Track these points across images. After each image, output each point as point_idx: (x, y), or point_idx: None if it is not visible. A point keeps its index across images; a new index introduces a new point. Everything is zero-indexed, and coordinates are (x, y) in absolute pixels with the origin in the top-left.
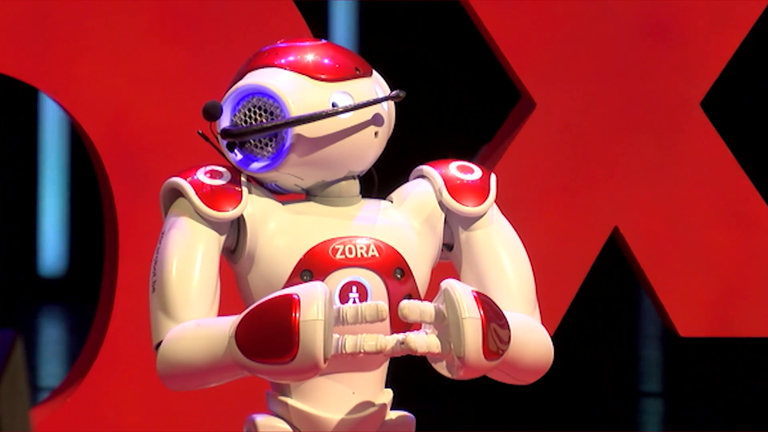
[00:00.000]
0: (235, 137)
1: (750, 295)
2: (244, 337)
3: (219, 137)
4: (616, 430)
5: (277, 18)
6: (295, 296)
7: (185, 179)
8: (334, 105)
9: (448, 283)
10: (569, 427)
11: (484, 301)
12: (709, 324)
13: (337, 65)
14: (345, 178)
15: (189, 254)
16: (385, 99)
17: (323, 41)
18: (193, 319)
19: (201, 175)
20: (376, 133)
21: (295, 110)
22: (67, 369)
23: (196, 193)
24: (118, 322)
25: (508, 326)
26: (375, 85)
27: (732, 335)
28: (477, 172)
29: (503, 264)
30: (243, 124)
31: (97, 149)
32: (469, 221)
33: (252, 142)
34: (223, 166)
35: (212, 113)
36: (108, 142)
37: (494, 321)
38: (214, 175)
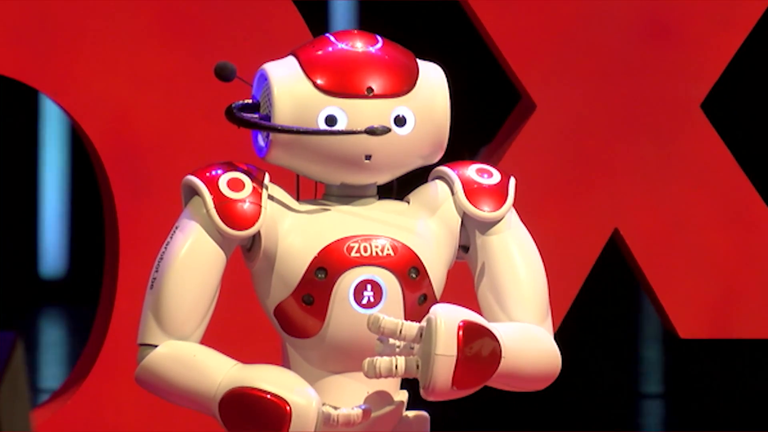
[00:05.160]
0: (230, 120)
1: (750, 296)
2: (227, 413)
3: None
4: (617, 431)
5: (277, 18)
6: (288, 408)
7: (206, 185)
8: (328, 117)
9: (434, 314)
10: (570, 428)
11: (467, 333)
12: (710, 325)
13: (350, 79)
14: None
15: (192, 265)
16: (343, 133)
17: (376, 47)
18: (184, 333)
19: (223, 185)
20: (368, 157)
21: (280, 111)
22: (67, 371)
23: (215, 207)
24: (119, 323)
25: (498, 344)
26: (393, 109)
27: (732, 337)
28: (496, 176)
29: (518, 271)
30: (265, 105)
31: (98, 150)
32: (486, 225)
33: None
34: (244, 170)
35: (223, 75)
36: (108, 143)
37: (475, 353)
38: (234, 185)
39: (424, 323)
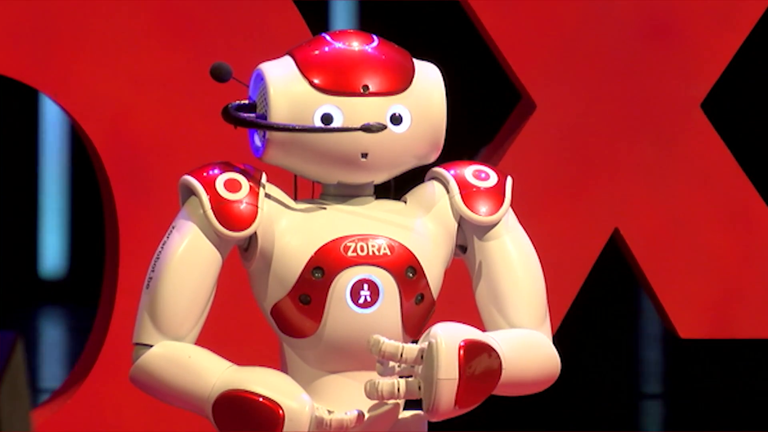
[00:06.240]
0: (226, 120)
1: (750, 296)
2: (221, 416)
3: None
4: (617, 431)
5: (277, 18)
6: (281, 412)
7: (203, 186)
8: (325, 116)
9: (435, 336)
10: (570, 428)
11: (468, 354)
12: (710, 325)
13: (346, 77)
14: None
15: (188, 266)
16: (339, 130)
17: (372, 46)
18: (179, 333)
19: (219, 186)
20: (364, 155)
21: (276, 110)
22: (67, 371)
23: (212, 208)
24: (119, 323)
25: (499, 358)
26: (389, 107)
27: (732, 337)
28: (492, 178)
29: (516, 274)
30: (262, 105)
31: (97, 150)
32: (483, 228)
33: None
34: (241, 170)
35: (219, 75)
36: (108, 142)
37: (476, 371)
38: (231, 186)
39: (424, 345)
